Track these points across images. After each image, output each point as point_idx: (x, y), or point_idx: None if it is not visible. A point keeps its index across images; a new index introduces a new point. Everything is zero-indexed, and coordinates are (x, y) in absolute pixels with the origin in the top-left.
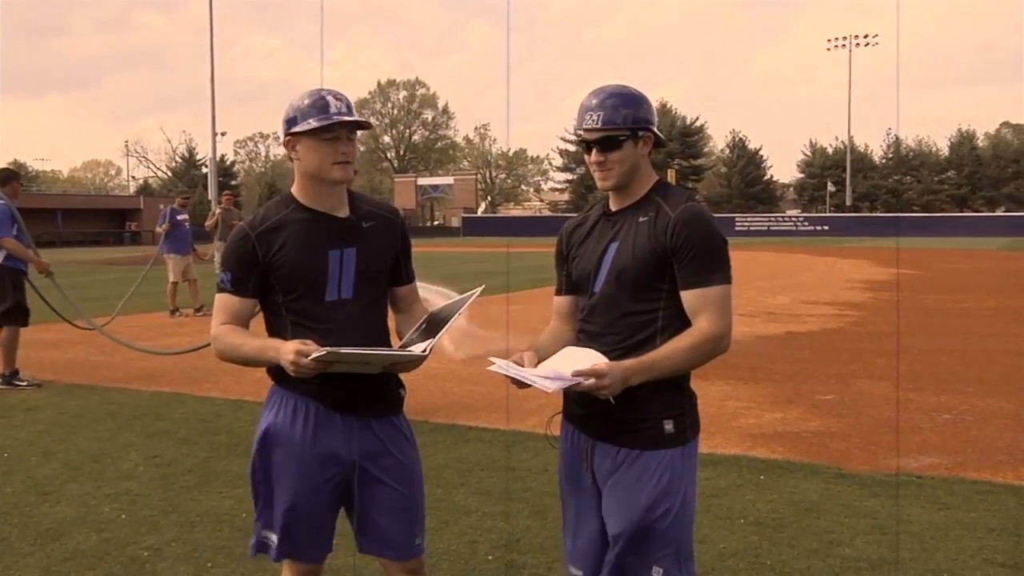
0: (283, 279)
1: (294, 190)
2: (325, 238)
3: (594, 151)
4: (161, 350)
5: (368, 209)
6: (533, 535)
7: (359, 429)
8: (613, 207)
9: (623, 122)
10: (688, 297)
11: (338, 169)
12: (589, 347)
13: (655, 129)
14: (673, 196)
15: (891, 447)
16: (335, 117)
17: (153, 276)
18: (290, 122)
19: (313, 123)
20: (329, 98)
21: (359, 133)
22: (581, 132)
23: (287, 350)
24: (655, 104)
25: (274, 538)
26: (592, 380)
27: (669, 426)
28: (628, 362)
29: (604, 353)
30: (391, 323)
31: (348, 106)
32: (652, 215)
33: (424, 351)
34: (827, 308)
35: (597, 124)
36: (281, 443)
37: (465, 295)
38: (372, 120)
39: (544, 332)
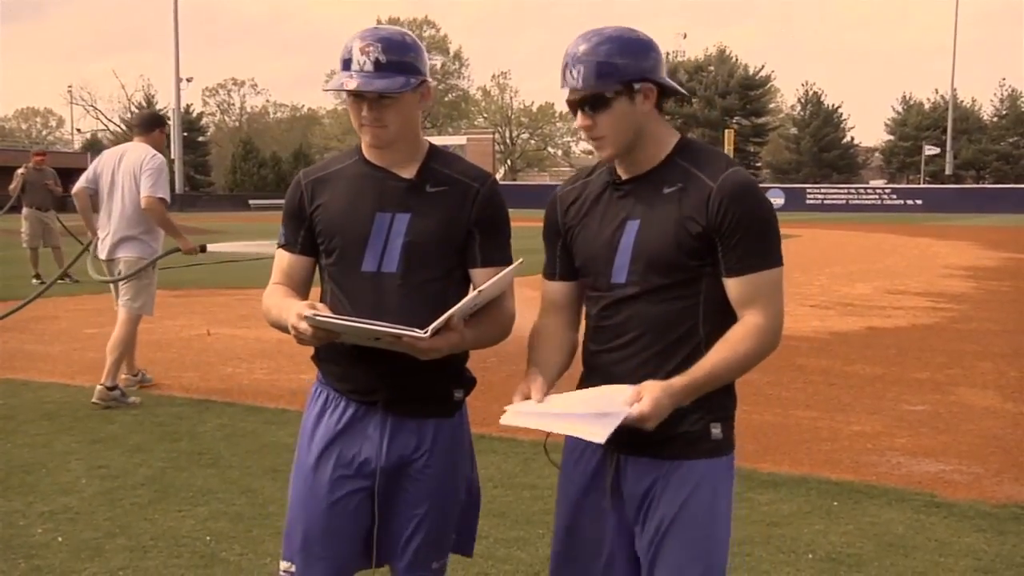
0: (322, 237)
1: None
2: (376, 197)
3: (579, 115)
4: None
5: (445, 172)
6: None
7: (393, 431)
8: (623, 174)
9: (614, 75)
10: (736, 285)
11: (367, 132)
12: (613, 370)
13: (661, 78)
14: (707, 161)
15: (998, 471)
16: (344, 80)
17: None
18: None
19: (331, 83)
20: (355, 49)
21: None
22: (564, 91)
23: (294, 312)
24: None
25: (294, 569)
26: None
27: (717, 430)
28: (678, 382)
29: (638, 360)
30: None
31: (376, 61)
32: (681, 185)
33: (426, 332)
34: (919, 299)
35: (577, 83)
36: (305, 447)
37: (501, 273)
38: None
39: (538, 338)
